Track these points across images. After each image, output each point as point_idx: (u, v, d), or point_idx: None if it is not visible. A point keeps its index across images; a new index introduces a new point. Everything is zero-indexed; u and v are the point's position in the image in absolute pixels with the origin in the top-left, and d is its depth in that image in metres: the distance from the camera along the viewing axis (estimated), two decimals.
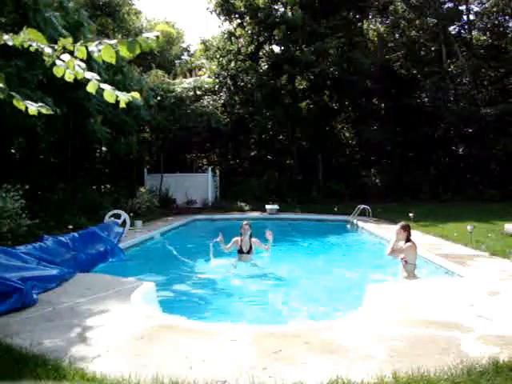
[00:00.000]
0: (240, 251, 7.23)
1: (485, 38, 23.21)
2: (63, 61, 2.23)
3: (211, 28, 56.56)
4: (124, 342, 3.37)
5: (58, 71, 2.26)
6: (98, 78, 2.28)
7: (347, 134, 24.89)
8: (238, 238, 7.29)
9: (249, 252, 7.24)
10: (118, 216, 9.95)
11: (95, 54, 2.13)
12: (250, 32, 21.75)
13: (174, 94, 16.58)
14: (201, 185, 18.46)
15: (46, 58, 2.22)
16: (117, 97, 2.26)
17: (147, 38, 2.06)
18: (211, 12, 21.81)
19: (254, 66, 21.22)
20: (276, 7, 21.30)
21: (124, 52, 2.07)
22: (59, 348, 3.19)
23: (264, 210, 15.59)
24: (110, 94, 2.25)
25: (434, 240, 8.87)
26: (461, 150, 23.01)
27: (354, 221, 12.81)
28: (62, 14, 9.22)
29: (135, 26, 21.58)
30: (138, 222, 10.99)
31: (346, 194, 19.36)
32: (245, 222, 7.40)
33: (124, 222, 9.80)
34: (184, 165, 22.38)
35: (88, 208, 11.33)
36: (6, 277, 4.34)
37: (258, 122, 20.66)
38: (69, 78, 2.28)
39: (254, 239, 7.32)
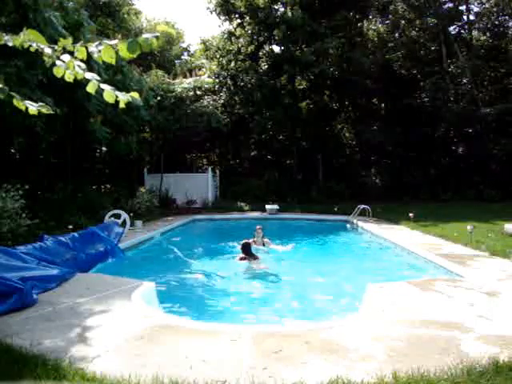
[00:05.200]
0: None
1: (485, 38, 23.18)
2: (63, 61, 2.23)
3: (211, 28, 56.60)
4: (124, 341, 3.37)
5: (58, 71, 2.26)
6: (98, 78, 2.28)
7: (347, 134, 24.88)
8: (252, 240, 8.47)
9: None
10: (118, 216, 9.95)
11: (95, 55, 2.13)
12: (250, 32, 21.74)
13: (174, 93, 16.57)
14: (201, 185, 18.46)
15: (46, 59, 2.22)
16: (116, 97, 2.26)
17: (147, 38, 2.06)
18: (211, 12, 21.81)
19: (253, 65, 21.21)
20: (276, 7, 21.29)
21: (124, 52, 2.07)
22: (59, 348, 3.19)
23: (264, 210, 15.59)
24: (109, 94, 2.25)
25: (434, 240, 8.87)
26: (461, 150, 22.98)
27: (354, 221, 12.81)
28: (62, 14, 9.21)
29: (135, 26, 21.57)
30: (138, 222, 10.99)
31: (346, 194, 19.35)
32: (258, 226, 8.97)
33: (124, 221, 9.79)
34: (184, 165, 22.38)
35: (88, 208, 11.32)
36: (6, 277, 4.35)
37: (257, 122, 20.65)
38: (69, 78, 2.28)
39: (266, 239, 8.84)
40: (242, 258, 7.44)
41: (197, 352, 3.14)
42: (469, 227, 8.21)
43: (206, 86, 18.55)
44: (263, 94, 20.66)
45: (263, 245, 8.76)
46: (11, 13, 8.51)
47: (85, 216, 10.54)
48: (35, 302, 4.32)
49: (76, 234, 7.36)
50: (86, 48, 2.16)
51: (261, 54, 22.37)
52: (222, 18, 22.02)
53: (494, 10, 22.06)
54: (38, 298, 4.44)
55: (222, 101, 21.73)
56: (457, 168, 21.28)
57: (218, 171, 20.33)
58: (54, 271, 5.33)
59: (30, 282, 4.52)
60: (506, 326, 3.69)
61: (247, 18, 21.39)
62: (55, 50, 2.22)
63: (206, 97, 19.13)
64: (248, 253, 7.45)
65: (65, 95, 9.54)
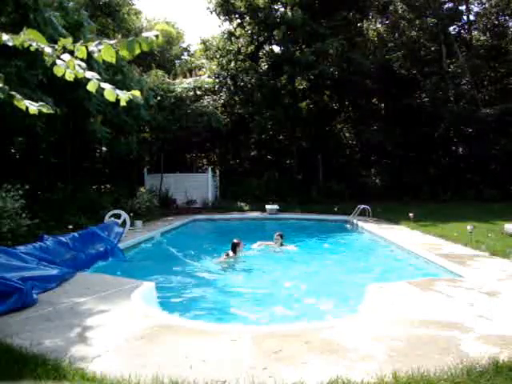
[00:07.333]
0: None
1: (485, 38, 23.18)
2: (63, 60, 2.23)
3: (211, 28, 56.58)
4: (124, 341, 3.37)
5: (58, 71, 2.25)
6: (98, 77, 2.28)
7: (347, 134, 24.89)
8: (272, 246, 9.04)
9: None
10: (118, 216, 9.94)
11: (95, 54, 2.13)
12: (250, 32, 21.74)
13: (174, 93, 16.57)
14: (201, 185, 18.45)
15: (46, 58, 2.22)
16: (117, 96, 2.26)
17: (147, 37, 2.06)
18: (211, 12, 21.80)
19: (253, 66, 21.21)
20: (276, 7, 21.30)
21: (124, 52, 2.07)
22: (59, 348, 3.19)
23: (264, 210, 15.58)
24: (110, 92, 2.24)
25: (434, 240, 8.87)
26: (461, 150, 22.97)
27: (354, 221, 12.81)
28: (62, 14, 9.20)
29: (135, 26, 21.57)
30: (138, 222, 10.98)
31: (346, 194, 19.35)
32: (277, 233, 9.10)
33: (124, 221, 9.79)
34: (184, 165, 22.38)
35: (88, 208, 11.32)
36: (6, 277, 4.34)
37: (257, 122, 20.65)
38: (69, 77, 2.28)
39: (284, 246, 8.99)
40: (227, 255, 7.81)
41: (197, 352, 3.14)
42: (469, 227, 8.21)
43: (206, 85, 18.55)
44: (263, 94, 20.66)
45: (282, 252, 8.84)
46: (11, 13, 8.50)
47: (85, 216, 10.54)
48: (35, 302, 4.31)
49: (76, 234, 7.36)
50: (86, 47, 2.15)
51: (261, 54, 22.37)
52: (222, 18, 22.00)
53: (494, 10, 22.05)
54: (38, 297, 4.44)
55: (222, 101, 21.73)
56: (457, 168, 21.27)
57: (217, 171, 20.33)
58: (54, 271, 5.33)
59: (30, 282, 4.52)
60: (506, 326, 3.69)
61: (247, 18, 21.38)
62: (55, 50, 2.21)
63: (206, 97, 19.12)
64: (234, 252, 7.80)
65: (65, 95, 9.54)
